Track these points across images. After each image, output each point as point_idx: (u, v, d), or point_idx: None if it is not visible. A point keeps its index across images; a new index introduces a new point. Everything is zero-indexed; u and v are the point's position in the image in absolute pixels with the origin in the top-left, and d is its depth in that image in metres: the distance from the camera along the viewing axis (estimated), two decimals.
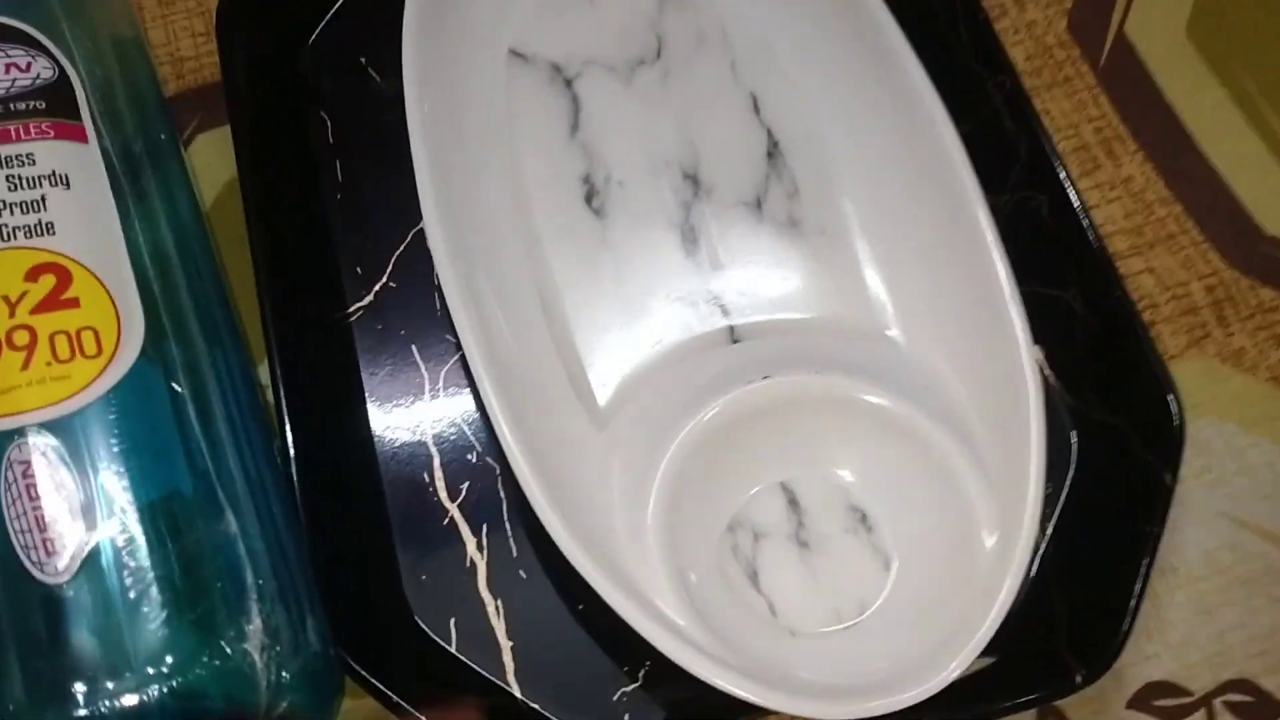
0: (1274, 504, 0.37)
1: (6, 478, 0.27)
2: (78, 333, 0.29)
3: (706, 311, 0.38)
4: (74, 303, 0.30)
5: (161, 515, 0.29)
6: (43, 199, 0.31)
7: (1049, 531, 0.36)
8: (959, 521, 0.34)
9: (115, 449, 0.28)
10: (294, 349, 0.36)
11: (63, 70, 0.33)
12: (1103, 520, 0.35)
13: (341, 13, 0.43)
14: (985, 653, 0.32)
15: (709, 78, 0.41)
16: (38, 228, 0.30)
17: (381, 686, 0.31)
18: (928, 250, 0.37)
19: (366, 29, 0.43)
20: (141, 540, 0.28)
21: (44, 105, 0.32)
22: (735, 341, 0.38)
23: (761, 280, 0.39)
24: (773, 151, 0.40)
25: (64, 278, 0.30)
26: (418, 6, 0.38)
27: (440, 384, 0.38)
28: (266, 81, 0.41)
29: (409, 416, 0.37)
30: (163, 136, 0.37)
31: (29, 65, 0.32)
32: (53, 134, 0.32)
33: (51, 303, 0.29)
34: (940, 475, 0.34)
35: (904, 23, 0.38)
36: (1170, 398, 0.34)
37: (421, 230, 0.35)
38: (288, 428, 0.34)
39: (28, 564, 0.27)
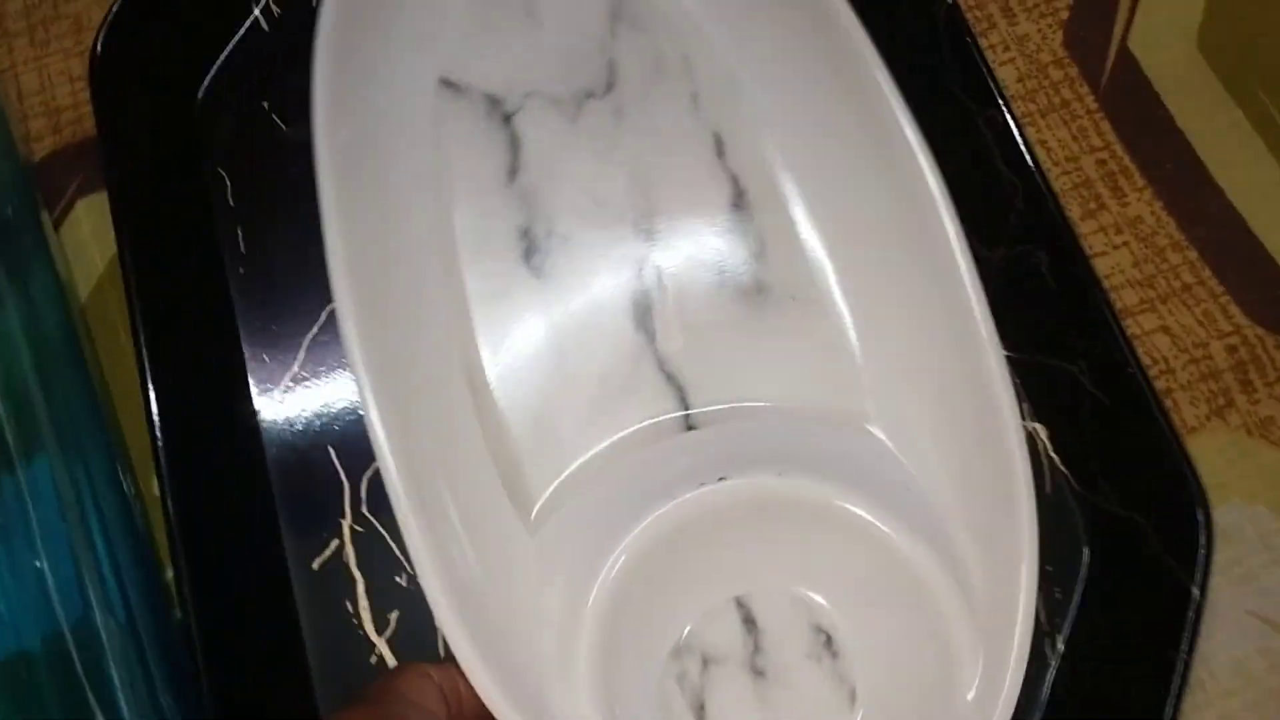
0: None
1: None
2: None
3: (658, 394, 0.33)
4: None
5: None
6: None
7: (1059, 648, 0.32)
8: (937, 651, 0.29)
9: None
10: (189, 460, 0.31)
11: None
12: (1122, 637, 0.31)
13: (238, 51, 0.38)
14: None
15: (667, 114, 0.36)
16: None
17: None
18: (912, 323, 0.33)
19: (267, 68, 0.38)
20: None
21: None
22: (690, 429, 0.33)
23: (723, 356, 0.34)
24: (738, 203, 0.35)
25: None
26: (332, 28, 0.33)
27: (363, 495, 0.33)
28: (152, 136, 0.36)
29: (328, 536, 0.33)
30: (20, 218, 0.32)
31: None
32: None
33: None
34: (917, 598, 0.29)
35: (883, 45, 0.33)
36: (1198, 512, 0.30)
37: None
38: (182, 562, 0.30)
39: None
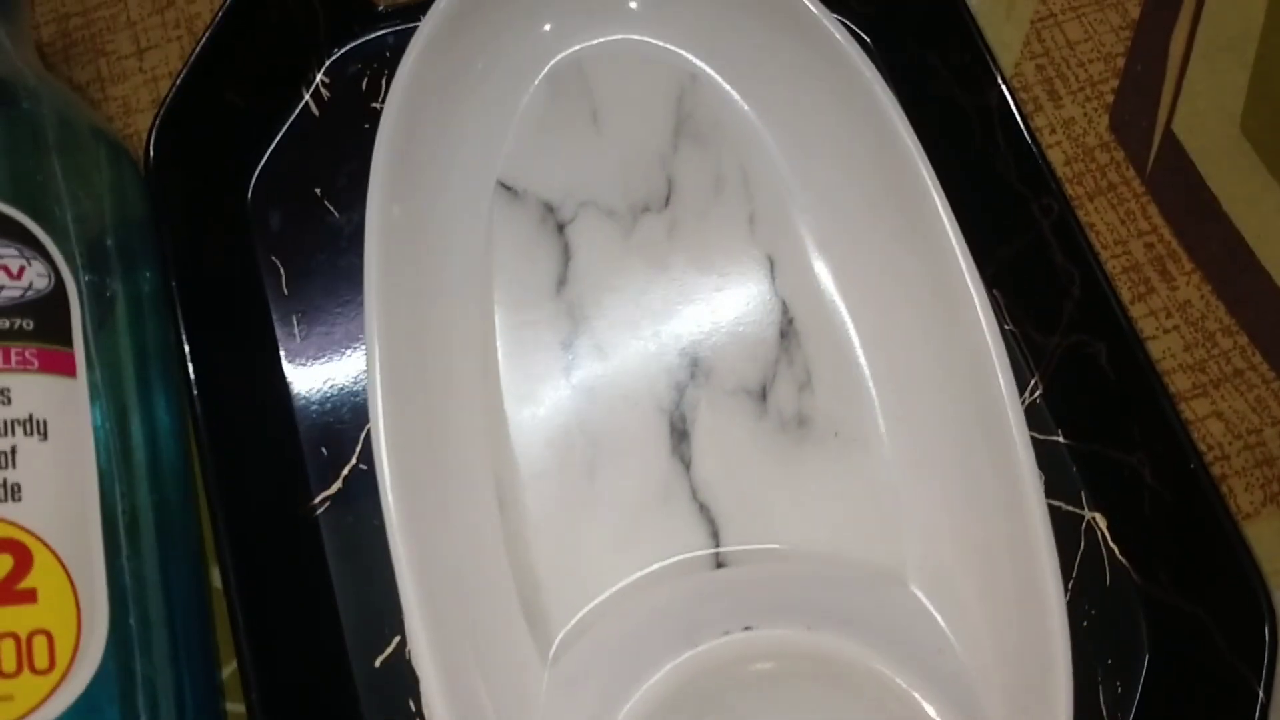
0: None
1: None
2: (29, 638, 0.24)
3: (690, 524, 0.33)
4: (31, 595, 0.24)
5: None
6: (13, 451, 0.25)
7: None
8: None
9: None
10: (251, 553, 0.31)
11: (59, 279, 0.27)
12: None
13: (289, 136, 0.38)
14: None
15: (723, 232, 0.36)
16: (2, 490, 0.25)
17: None
18: (958, 474, 0.32)
19: (319, 154, 0.38)
20: None
21: (32, 325, 0.26)
22: (720, 565, 0.33)
23: (759, 491, 0.33)
24: (786, 330, 0.35)
25: (24, 559, 0.24)
26: (394, 122, 0.33)
27: None
28: (207, 228, 0.36)
29: (389, 634, 0.33)
30: (163, 342, 0.32)
31: (21, 271, 0.27)
32: (37, 364, 0.26)
33: (5, 593, 0.24)
34: None
35: (939, 134, 0.34)
36: (1261, 601, 0.30)
37: None
38: (249, 662, 0.29)
39: None
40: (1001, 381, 0.31)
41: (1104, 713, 0.32)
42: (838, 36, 0.34)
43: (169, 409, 0.32)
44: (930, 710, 0.29)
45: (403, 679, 0.32)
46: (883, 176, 0.34)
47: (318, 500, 0.34)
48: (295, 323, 0.36)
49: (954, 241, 0.32)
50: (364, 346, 0.34)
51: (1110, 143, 0.39)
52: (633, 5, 0.36)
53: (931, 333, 0.33)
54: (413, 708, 0.32)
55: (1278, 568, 0.34)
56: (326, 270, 0.37)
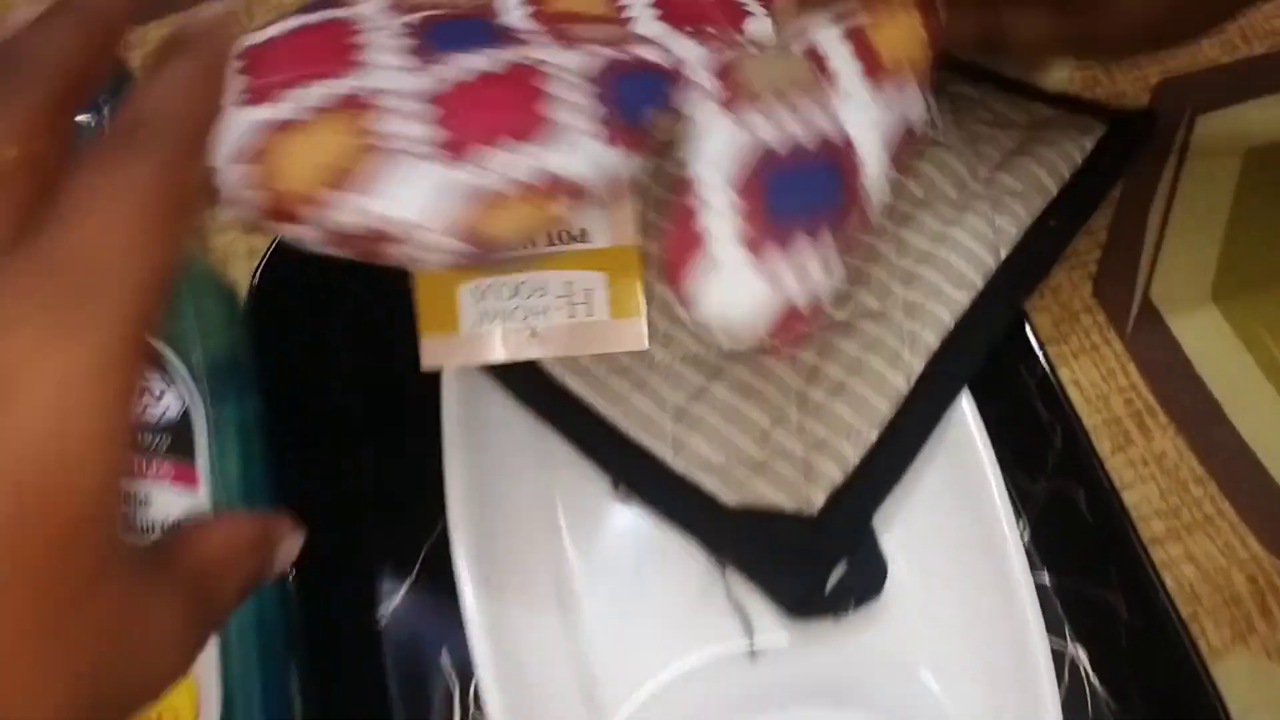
0: None
1: None
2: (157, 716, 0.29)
3: (727, 622, 0.37)
4: None
5: None
6: None
7: None
8: None
9: None
10: (325, 659, 0.36)
11: (187, 406, 0.32)
12: None
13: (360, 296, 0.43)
14: None
15: None
16: None
17: None
18: (964, 589, 0.37)
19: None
20: None
21: (168, 442, 0.31)
22: (754, 655, 0.37)
23: None
24: None
25: None
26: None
27: (471, 696, 0.37)
28: (296, 359, 0.41)
29: None
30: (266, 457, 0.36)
31: (161, 394, 0.32)
32: (171, 476, 0.31)
33: None
34: None
35: None
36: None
37: None
38: None
39: None
40: (1009, 537, 0.36)
41: None
42: None
43: None
44: None
45: None
46: None
47: (380, 613, 0.38)
48: (369, 452, 0.41)
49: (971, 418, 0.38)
50: (425, 471, 0.38)
51: (1093, 306, 0.44)
52: None
53: (942, 477, 0.38)
54: None
55: (1245, 703, 0.37)
56: (396, 403, 0.41)
